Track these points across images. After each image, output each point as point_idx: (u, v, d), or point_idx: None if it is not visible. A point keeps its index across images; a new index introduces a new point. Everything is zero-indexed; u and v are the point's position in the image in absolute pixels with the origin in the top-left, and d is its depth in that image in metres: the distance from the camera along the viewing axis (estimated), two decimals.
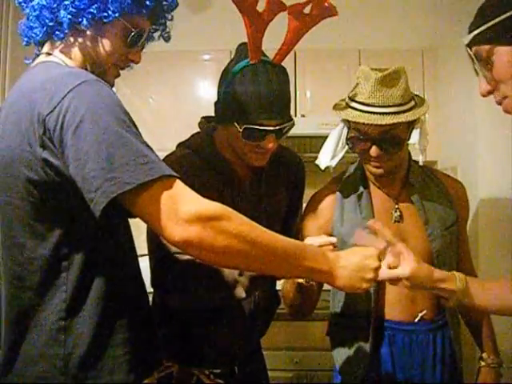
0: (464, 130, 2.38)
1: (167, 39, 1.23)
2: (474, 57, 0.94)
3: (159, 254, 1.33)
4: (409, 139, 1.40)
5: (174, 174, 0.92)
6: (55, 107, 0.91)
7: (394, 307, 1.46)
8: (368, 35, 2.91)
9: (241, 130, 1.29)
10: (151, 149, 0.94)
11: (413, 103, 1.39)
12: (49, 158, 0.93)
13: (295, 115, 2.88)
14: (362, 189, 1.50)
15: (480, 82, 0.96)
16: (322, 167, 1.55)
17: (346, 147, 1.48)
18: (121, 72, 1.18)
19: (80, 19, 1.02)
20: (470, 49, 0.95)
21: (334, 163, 1.53)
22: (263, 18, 1.23)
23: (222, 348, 1.42)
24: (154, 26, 1.17)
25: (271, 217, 1.44)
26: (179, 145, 1.47)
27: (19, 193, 0.97)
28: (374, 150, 1.37)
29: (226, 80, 1.33)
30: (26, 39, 1.09)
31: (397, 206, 1.47)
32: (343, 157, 1.52)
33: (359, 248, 1.15)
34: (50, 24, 1.03)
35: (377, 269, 1.11)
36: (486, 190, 2.14)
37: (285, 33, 1.30)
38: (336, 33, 3.00)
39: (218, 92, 1.37)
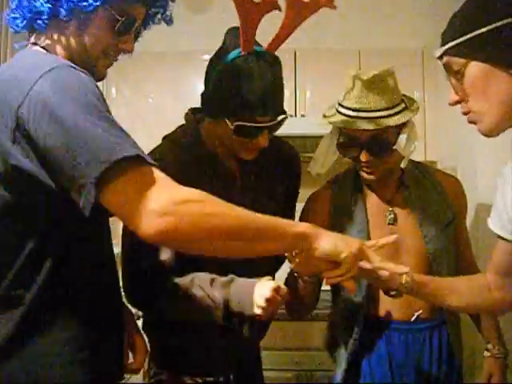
0: (464, 130, 2.37)
1: (169, 22, 1.15)
2: (445, 67, 0.97)
3: (133, 266, 1.26)
4: (396, 140, 1.38)
5: (147, 161, 0.87)
6: (25, 97, 0.87)
7: (391, 306, 1.46)
8: (368, 35, 2.92)
9: (232, 127, 1.23)
10: (126, 134, 0.91)
11: (402, 106, 1.38)
12: (16, 154, 0.90)
13: (295, 115, 2.88)
14: (355, 193, 1.50)
15: (450, 91, 0.98)
16: (313, 174, 1.53)
17: (337, 153, 1.47)
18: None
19: (59, 9, 0.98)
20: (441, 58, 0.97)
21: (323, 170, 1.51)
22: (259, 9, 1.18)
23: (214, 354, 1.36)
24: (153, 9, 1.11)
25: (263, 207, 1.39)
26: (165, 138, 1.41)
27: None
28: (363, 156, 1.38)
29: (216, 70, 1.25)
30: (11, 28, 1.06)
31: (391, 209, 1.47)
32: (336, 160, 1.50)
33: None
34: (29, 14, 0.99)
35: (359, 252, 1.07)
36: (485, 191, 2.13)
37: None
38: (336, 33, 3.01)
39: (206, 81, 1.29)
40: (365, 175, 1.44)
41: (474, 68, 0.92)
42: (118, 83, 2.92)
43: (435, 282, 1.28)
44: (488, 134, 0.97)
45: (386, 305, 1.47)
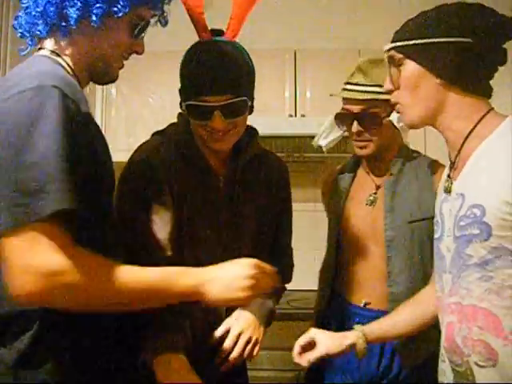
0: None
1: (164, 24, 1.18)
2: (388, 59, 1.11)
3: None
4: (388, 116, 1.49)
5: (60, 209, 0.85)
6: None
7: (349, 288, 1.57)
8: (368, 35, 2.92)
9: (184, 109, 1.24)
10: (73, 174, 0.87)
11: None
12: None
13: (295, 115, 2.88)
14: (348, 171, 1.64)
15: (386, 80, 1.14)
16: (315, 146, 1.70)
17: (341, 131, 1.61)
18: (121, 71, 1.16)
19: (89, 15, 0.99)
20: (388, 51, 1.12)
21: (324, 143, 1.65)
22: None
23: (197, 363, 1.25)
24: (152, 12, 1.14)
25: (244, 215, 1.35)
26: (155, 133, 1.38)
27: None
28: (354, 126, 1.49)
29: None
30: (25, 33, 1.05)
31: (374, 191, 1.56)
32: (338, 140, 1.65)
33: (233, 260, 1.08)
34: (55, 21, 0.99)
35: (252, 277, 1.03)
36: None
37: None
38: (336, 33, 3.01)
39: None
40: (358, 150, 1.54)
41: (411, 66, 1.07)
42: (118, 83, 2.90)
43: (380, 323, 1.33)
44: (409, 126, 1.16)
45: (348, 286, 1.58)
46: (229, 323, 1.28)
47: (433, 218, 1.46)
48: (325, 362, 1.47)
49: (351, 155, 1.68)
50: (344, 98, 1.53)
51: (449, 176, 1.11)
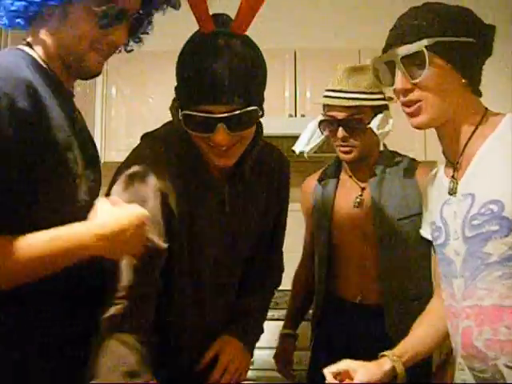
0: None
1: (176, 7, 1.04)
2: (410, 56, 1.01)
3: None
4: (369, 123, 1.54)
5: None
6: None
7: (344, 285, 1.63)
8: (368, 35, 2.92)
9: (180, 118, 1.03)
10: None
11: (379, 96, 1.55)
12: None
13: (295, 115, 2.88)
14: (332, 177, 1.69)
15: (399, 78, 1.03)
16: (297, 152, 1.71)
17: (322, 137, 1.63)
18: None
19: (29, 6, 0.92)
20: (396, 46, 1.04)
21: (307, 149, 1.67)
22: None
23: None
24: None
25: (248, 219, 1.27)
26: (145, 136, 1.21)
27: None
28: (340, 132, 1.53)
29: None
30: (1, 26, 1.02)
31: (360, 193, 1.62)
32: (320, 145, 1.67)
33: (122, 211, 0.96)
34: (9, 13, 0.95)
35: (144, 230, 0.95)
36: None
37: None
38: (336, 33, 3.01)
39: None
40: (342, 155, 1.58)
41: (441, 64, 1.00)
42: (118, 83, 2.92)
43: (408, 343, 1.23)
44: (421, 127, 1.06)
45: (342, 285, 1.63)
46: (217, 350, 1.26)
47: (419, 214, 1.46)
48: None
49: (334, 158, 1.72)
50: (328, 105, 1.57)
51: (453, 177, 1.08)
